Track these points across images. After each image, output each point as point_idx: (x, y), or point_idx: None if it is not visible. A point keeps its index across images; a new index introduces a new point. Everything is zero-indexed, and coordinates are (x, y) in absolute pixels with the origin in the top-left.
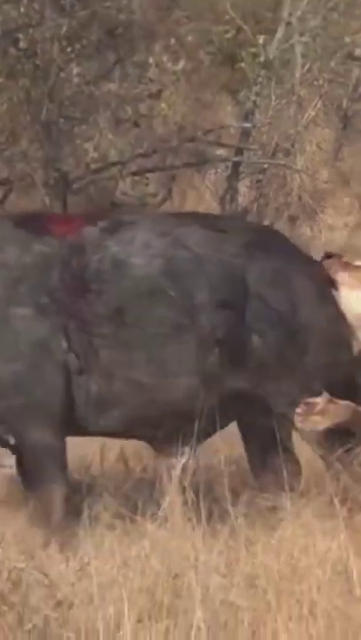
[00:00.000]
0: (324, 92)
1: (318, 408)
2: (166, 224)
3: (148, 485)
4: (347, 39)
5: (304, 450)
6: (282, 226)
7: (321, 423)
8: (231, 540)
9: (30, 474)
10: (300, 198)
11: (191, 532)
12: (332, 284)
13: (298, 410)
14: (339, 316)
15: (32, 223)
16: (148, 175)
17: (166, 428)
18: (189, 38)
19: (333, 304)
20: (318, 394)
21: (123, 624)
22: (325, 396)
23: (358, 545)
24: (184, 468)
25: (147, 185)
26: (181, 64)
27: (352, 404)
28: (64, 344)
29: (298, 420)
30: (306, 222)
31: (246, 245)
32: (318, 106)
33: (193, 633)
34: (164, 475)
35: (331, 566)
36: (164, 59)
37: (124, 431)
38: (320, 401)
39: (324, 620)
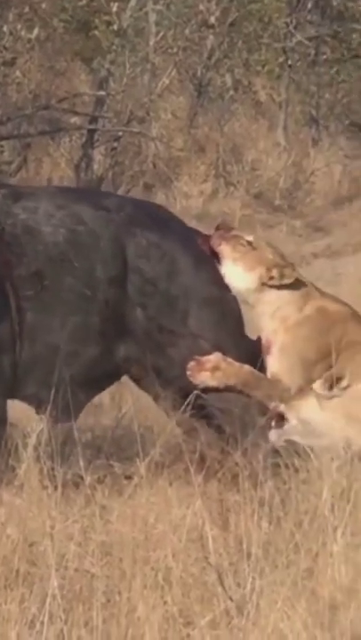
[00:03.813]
0: (179, 60)
1: (209, 365)
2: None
3: (3, 453)
4: (201, 7)
5: (160, 416)
6: (137, 193)
7: (210, 380)
8: (86, 508)
9: None
10: (154, 166)
11: (47, 500)
12: (215, 255)
13: (189, 365)
14: (218, 279)
15: None
16: (3, 143)
17: (68, 393)
18: (43, 6)
19: (213, 270)
20: (208, 353)
21: None
22: (219, 355)
23: (213, 512)
24: (39, 436)
25: (1, 152)
26: (35, 32)
27: (249, 368)
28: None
29: (188, 375)
30: (161, 190)
31: (125, 223)
32: (173, 74)
33: (48, 601)
34: (19, 443)
35: (186, 533)
36: (18, 26)
37: (35, 394)
38: (212, 358)
39: (180, 587)
